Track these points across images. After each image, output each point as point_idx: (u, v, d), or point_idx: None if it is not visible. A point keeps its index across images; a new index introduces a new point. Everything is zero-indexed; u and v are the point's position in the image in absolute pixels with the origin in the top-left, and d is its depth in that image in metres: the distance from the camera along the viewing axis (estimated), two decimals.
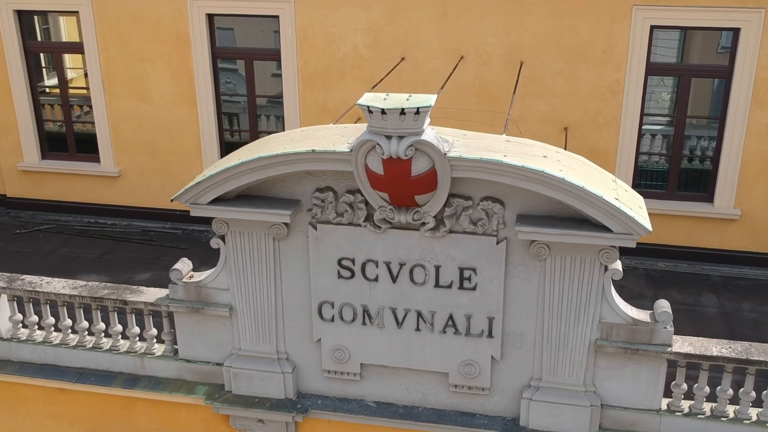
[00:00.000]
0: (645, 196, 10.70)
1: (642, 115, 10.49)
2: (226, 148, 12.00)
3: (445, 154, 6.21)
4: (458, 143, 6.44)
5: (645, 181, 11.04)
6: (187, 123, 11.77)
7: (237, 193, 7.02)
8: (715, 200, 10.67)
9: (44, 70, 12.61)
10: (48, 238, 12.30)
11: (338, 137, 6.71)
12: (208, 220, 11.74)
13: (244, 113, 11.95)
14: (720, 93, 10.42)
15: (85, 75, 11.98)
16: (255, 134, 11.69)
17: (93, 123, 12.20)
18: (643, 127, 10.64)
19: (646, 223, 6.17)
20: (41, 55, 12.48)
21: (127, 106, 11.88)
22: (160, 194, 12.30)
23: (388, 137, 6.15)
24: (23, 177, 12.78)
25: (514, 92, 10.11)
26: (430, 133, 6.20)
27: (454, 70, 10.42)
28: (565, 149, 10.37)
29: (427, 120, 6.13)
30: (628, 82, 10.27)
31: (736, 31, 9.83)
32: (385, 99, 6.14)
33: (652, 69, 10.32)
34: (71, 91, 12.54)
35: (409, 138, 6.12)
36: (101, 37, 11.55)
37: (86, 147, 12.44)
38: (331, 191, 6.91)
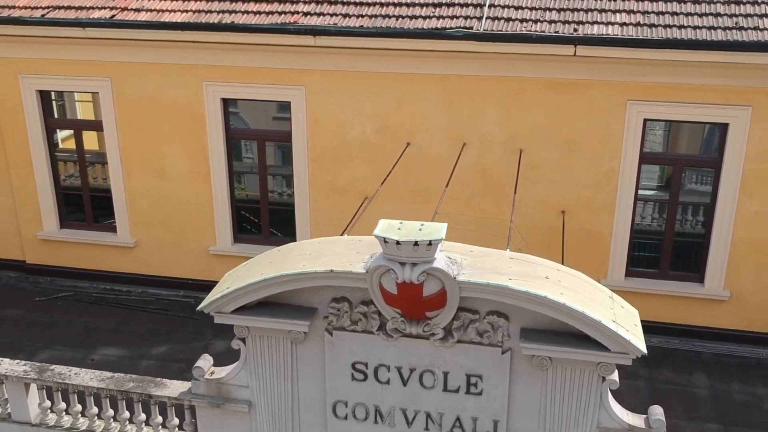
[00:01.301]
0: (639, 275, 11.40)
1: (635, 200, 11.04)
2: (239, 222, 12.54)
3: (455, 277, 6.73)
4: (466, 263, 6.95)
5: (639, 261, 11.56)
6: (202, 199, 12.29)
7: (258, 301, 7.51)
8: (706, 282, 11.20)
9: (58, 135, 13.13)
10: (66, 306, 12.78)
11: (354, 253, 7.22)
12: None
13: (255, 186, 12.45)
14: (710, 180, 10.99)
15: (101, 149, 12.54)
16: (266, 207, 12.24)
17: (110, 191, 12.70)
18: (637, 210, 11.18)
19: (641, 345, 6.69)
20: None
21: (144, 182, 12.40)
22: (174, 264, 12.82)
23: (402, 263, 6.67)
24: (42, 245, 13.27)
25: (516, 181, 10.68)
26: (441, 260, 6.72)
27: (459, 157, 10.97)
28: (563, 231, 11.05)
29: (439, 247, 6.64)
30: (622, 170, 10.82)
31: (725, 126, 10.40)
32: (399, 228, 6.66)
33: (646, 158, 10.88)
34: (89, 162, 13.04)
35: (422, 266, 6.64)
36: (120, 117, 12.09)
37: (102, 203, 12.90)
38: (347, 301, 7.41)
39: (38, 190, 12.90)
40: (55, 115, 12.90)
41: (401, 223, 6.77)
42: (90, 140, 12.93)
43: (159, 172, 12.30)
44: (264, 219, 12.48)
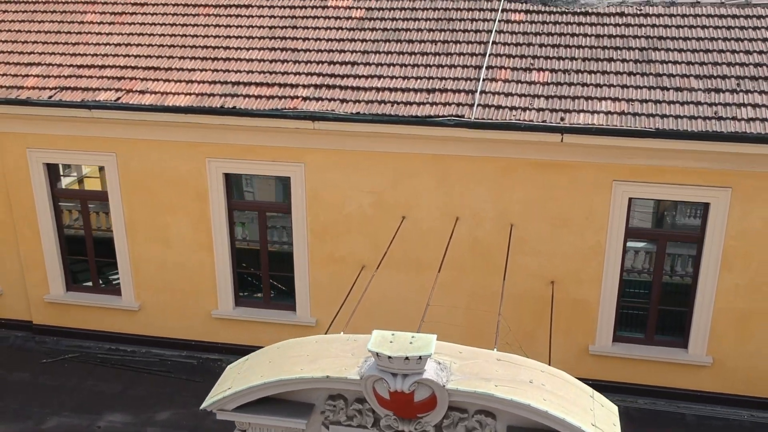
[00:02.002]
0: (625, 341, 11.87)
1: (622, 272, 11.49)
2: (240, 287, 12.99)
3: (444, 385, 7.18)
4: (455, 366, 7.40)
5: (625, 328, 12.01)
6: (204, 266, 12.74)
7: (258, 398, 7.96)
8: (689, 348, 11.65)
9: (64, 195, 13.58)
10: (72, 368, 13.21)
11: (349, 356, 7.68)
12: (221, 350, 12.76)
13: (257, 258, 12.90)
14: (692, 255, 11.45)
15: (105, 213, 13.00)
16: (267, 274, 12.70)
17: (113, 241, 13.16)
18: (623, 281, 11.64)
19: None
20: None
21: (149, 250, 12.85)
22: (177, 326, 13.27)
23: (394, 374, 7.13)
24: (49, 307, 13.72)
25: (507, 254, 11.15)
26: (431, 369, 7.17)
27: (452, 232, 11.43)
28: (552, 301, 11.50)
29: (429, 359, 7.09)
30: (608, 244, 11.28)
31: (706, 205, 10.86)
32: (391, 342, 7.12)
33: (631, 233, 11.34)
34: (96, 228, 13.50)
35: (413, 377, 7.10)
36: (125, 189, 12.54)
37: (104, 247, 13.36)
38: (343, 399, 7.85)
39: (45, 255, 13.34)
40: (62, 183, 13.36)
41: (393, 335, 7.22)
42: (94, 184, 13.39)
43: (163, 241, 12.75)
44: (265, 284, 12.93)
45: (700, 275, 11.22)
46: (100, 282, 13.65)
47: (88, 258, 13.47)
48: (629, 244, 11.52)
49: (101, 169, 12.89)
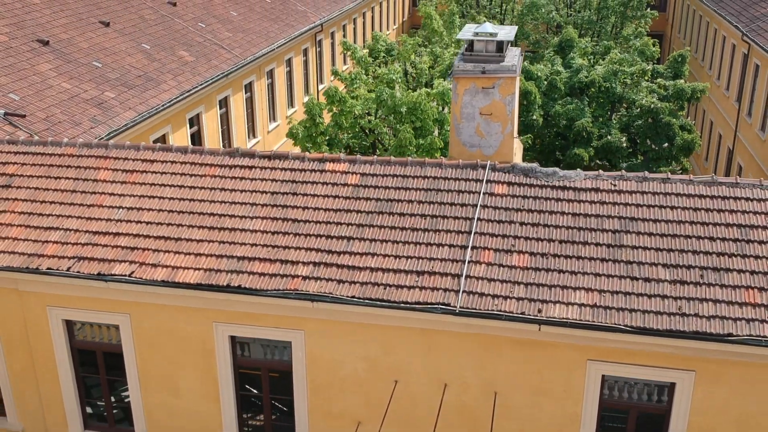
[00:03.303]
0: None
1: None
2: None
3: None
4: None
5: None
6: (212, 415, 13.73)
7: None
8: None
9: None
10: None
11: None
12: None
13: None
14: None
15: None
16: (270, 425, 13.68)
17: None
18: None
19: None
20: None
21: (160, 399, 13.84)
22: None
23: None
24: None
25: (492, 420, 12.14)
26: None
27: (442, 400, 12.42)
28: None
29: None
30: (584, 414, 12.26)
31: (672, 384, 11.84)
32: None
33: (605, 403, 12.32)
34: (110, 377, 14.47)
35: None
36: (138, 344, 13.52)
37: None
38: None
39: (63, 397, 14.33)
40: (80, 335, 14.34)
41: None
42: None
43: (173, 391, 13.74)
44: None
45: None
46: (115, 422, 14.63)
47: (104, 398, 14.45)
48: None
49: (117, 327, 13.83)
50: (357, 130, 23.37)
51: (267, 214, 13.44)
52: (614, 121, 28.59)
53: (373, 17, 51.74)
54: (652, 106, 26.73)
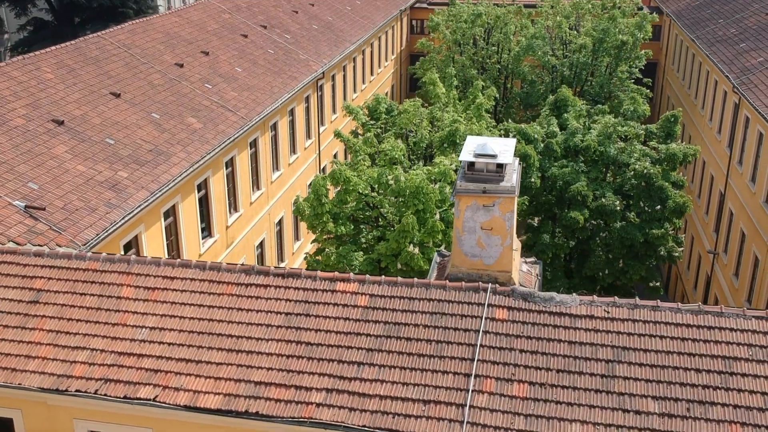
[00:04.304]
0: None
1: None
2: None
3: None
4: None
5: None
6: None
7: None
8: None
9: None
10: None
11: None
12: None
13: None
14: None
15: None
16: None
17: None
18: None
19: None
20: None
21: None
22: None
23: None
24: None
25: None
26: None
27: None
28: None
29: None
30: None
31: None
32: None
33: None
34: None
35: None
36: None
37: None
38: None
39: None
40: None
41: None
42: None
43: None
44: None
45: None
46: None
47: None
48: None
49: None
50: (361, 205, 24.26)
51: (282, 336, 14.32)
52: (608, 183, 29.53)
53: (372, 52, 52.66)
54: (645, 171, 27.66)
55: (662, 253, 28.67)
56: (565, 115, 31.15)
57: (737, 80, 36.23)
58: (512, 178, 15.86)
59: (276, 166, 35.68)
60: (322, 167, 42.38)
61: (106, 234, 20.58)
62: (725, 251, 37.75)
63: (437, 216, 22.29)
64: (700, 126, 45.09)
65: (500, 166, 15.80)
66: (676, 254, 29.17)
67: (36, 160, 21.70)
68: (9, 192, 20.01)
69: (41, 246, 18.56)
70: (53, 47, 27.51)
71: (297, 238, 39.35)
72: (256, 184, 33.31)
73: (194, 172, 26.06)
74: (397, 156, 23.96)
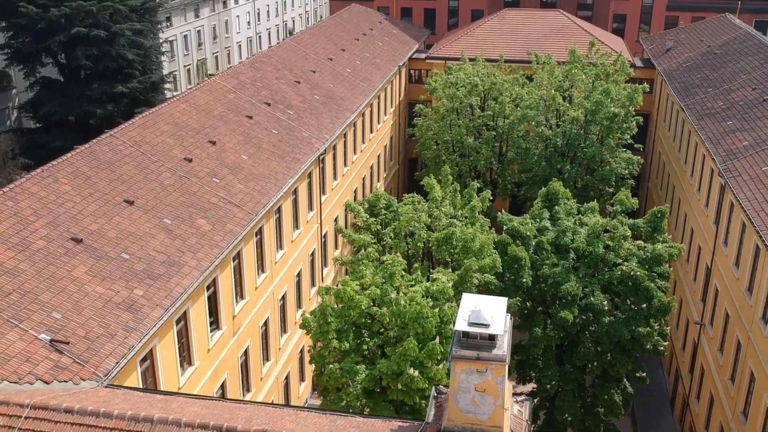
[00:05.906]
0: None
1: None
2: None
3: None
4: None
5: None
6: None
7: None
8: None
9: None
10: None
11: None
12: None
13: None
14: None
15: None
16: None
17: None
18: None
19: None
20: None
21: None
22: None
23: None
24: None
25: None
26: None
27: None
28: None
29: None
30: None
31: None
32: None
33: None
34: None
35: None
36: None
37: None
38: None
39: None
40: None
41: None
42: None
43: None
44: None
45: None
46: None
47: None
48: None
49: None
50: (364, 320, 25.70)
51: None
52: (597, 279, 31.03)
53: (372, 112, 54.16)
54: (632, 273, 29.16)
55: (648, 347, 30.14)
56: (557, 207, 32.65)
57: (723, 165, 37.70)
58: (503, 345, 17.31)
59: (279, 245, 37.10)
60: (323, 233, 43.84)
61: (125, 361, 21.99)
62: (711, 323, 39.15)
63: (437, 339, 23.70)
64: (689, 193, 46.55)
65: (492, 336, 17.25)
66: (662, 348, 30.64)
67: (58, 285, 23.10)
68: (35, 325, 21.41)
69: (66, 381, 20.02)
70: (68, 154, 28.92)
71: (299, 306, 40.77)
72: (261, 267, 34.72)
73: (204, 276, 27.48)
74: (397, 271, 25.44)
